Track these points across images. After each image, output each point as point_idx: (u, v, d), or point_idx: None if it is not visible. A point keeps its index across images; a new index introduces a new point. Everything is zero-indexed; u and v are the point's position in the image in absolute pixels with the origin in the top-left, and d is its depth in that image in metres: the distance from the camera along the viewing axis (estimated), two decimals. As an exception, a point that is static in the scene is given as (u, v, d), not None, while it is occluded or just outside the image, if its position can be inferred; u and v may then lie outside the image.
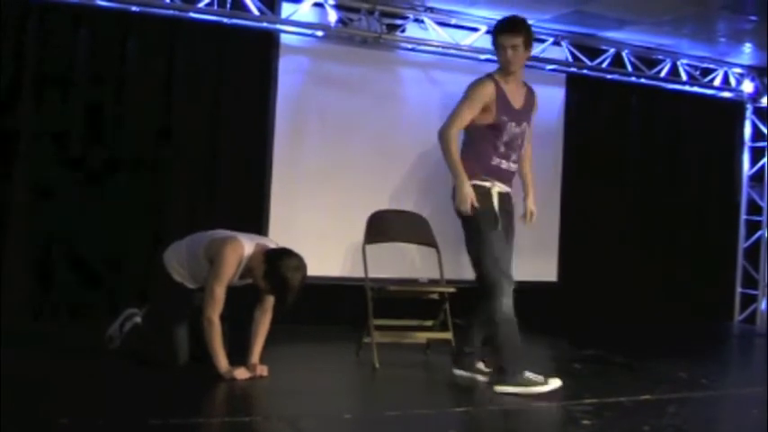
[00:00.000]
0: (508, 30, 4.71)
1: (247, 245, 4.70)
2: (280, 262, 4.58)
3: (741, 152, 8.92)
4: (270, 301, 4.84)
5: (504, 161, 4.80)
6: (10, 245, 5.98)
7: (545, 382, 4.66)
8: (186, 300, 4.87)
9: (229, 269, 4.63)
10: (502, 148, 4.76)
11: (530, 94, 4.91)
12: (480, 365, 5.05)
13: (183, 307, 4.86)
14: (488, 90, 4.69)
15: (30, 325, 5.96)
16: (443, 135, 4.70)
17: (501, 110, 4.71)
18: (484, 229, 4.71)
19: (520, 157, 4.94)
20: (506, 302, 4.72)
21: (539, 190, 7.59)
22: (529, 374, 4.68)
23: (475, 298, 4.96)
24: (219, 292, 4.61)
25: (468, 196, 4.61)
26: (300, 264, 4.61)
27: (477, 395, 4.87)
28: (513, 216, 4.97)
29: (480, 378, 4.98)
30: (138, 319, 5.15)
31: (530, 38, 4.76)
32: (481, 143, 4.77)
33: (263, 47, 6.81)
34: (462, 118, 4.70)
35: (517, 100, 4.81)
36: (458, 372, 5.05)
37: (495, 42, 4.78)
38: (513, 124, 4.76)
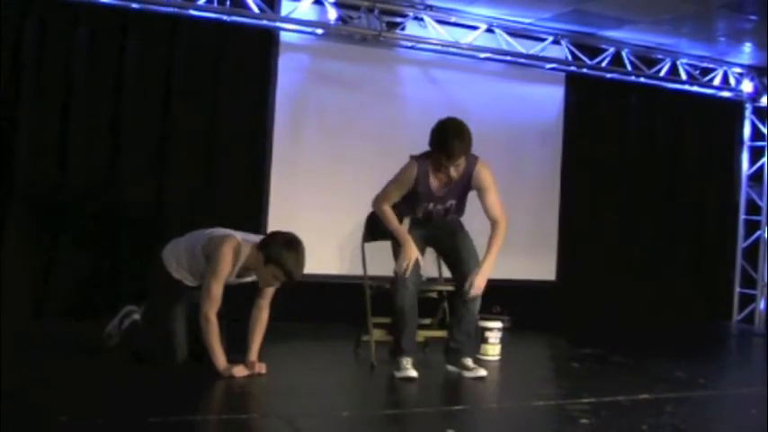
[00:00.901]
0: (450, 157, 4.77)
1: (244, 244, 4.71)
2: (272, 242, 4.64)
3: (740, 152, 8.91)
4: (267, 298, 4.85)
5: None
6: (9, 243, 5.97)
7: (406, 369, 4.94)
8: (185, 297, 4.87)
9: (226, 267, 4.64)
10: (420, 215, 5.11)
11: (466, 172, 4.93)
12: (467, 361, 5.07)
13: (182, 304, 4.86)
14: (411, 174, 4.94)
15: (29, 323, 5.95)
16: (377, 209, 5.11)
17: (419, 189, 4.97)
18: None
19: (492, 231, 5.06)
20: (399, 296, 4.94)
21: (538, 188, 7.76)
22: (404, 360, 4.96)
23: (451, 296, 5.22)
24: (216, 290, 4.62)
25: (412, 255, 4.91)
26: (293, 237, 4.66)
27: (475, 393, 4.89)
28: (449, 229, 5.20)
29: (466, 374, 5.04)
30: (136, 317, 5.14)
31: (468, 150, 4.85)
32: (404, 205, 5.11)
33: (263, 44, 6.81)
34: (389, 195, 5.05)
35: (441, 185, 4.95)
36: (449, 367, 5.20)
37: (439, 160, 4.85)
38: (432, 204, 5.04)
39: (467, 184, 4.99)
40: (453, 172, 4.83)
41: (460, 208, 5.16)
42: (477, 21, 7.28)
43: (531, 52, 7.54)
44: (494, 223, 5.01)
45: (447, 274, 5.77)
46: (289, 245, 4.61)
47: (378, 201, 5.09)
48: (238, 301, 4.81)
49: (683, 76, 8.27)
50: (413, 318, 5.02)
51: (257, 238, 4.86)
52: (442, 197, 5.02)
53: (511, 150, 7.65)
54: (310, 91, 6.94)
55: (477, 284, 4.92)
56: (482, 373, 5.04)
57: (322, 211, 6.83)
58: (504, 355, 5.73)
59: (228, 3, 6.48)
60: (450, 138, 4.78)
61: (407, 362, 4.95)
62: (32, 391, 4.10)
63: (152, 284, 5.09)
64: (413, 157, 4.99)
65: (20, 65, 6.00)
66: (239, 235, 4.75)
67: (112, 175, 6.32)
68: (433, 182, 4.95)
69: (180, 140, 6.52)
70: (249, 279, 4.84)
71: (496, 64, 7.56)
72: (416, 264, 4.99)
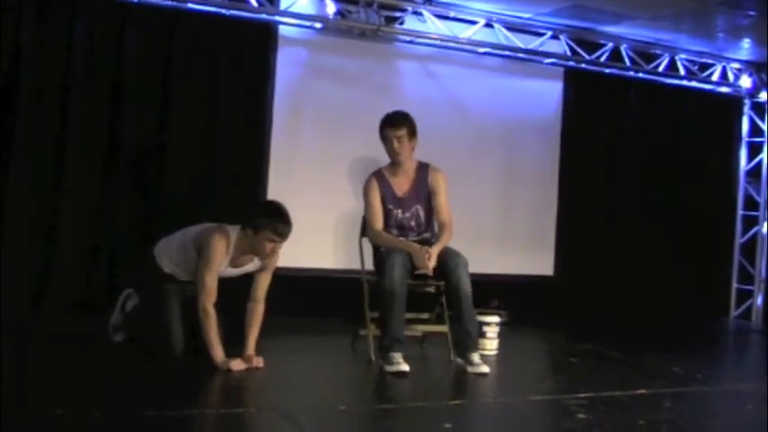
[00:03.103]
0: (392, 123, 5.28)
1: (233, 231, 4.75)
2: (253, 212, 4.75)
3: (738, 147, 8.92)
4: (263, 291, 4.89)
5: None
6: (8, 236, 5.95)
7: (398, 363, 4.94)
8: (178, 291, 4.89)
9: (218, 257, 4.66)
10: (395, 232, 5.33)
11: (421, 176, 5.38)
12: (474, 356, 5.07)
13: (175, 298, 4.88)
14: (373, 185, 5.33)
15: (27, 316, 5.94)
16: (371, 239, 5.36)
17: (386, 199, 5.32)
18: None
19: (438, 232, 5.38)
20: (387, 278, 4.98)
21: (536, 183, 7.76)
22: (394, 354, 4.97)
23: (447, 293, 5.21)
24: (210, 281, 4.64)
25: (423, 256, 5.03)
26: (270, 201, 4.98)
27: (473, 388, 4.89)
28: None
29: (470, 369, 5.05)
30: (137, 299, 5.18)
31: (413, 129, 5.32)
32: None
33: (262, 38, 6.79)
34: (372, 215, 5.31)
35: (402, 187, 5.35)
36: (457, 360, 5.21)
37: (381, 136, 5.34)
38: (400, 211, 5.33)
39: (425, 186, 5.36)
40: (396, 144, 5.24)
41: (428, 220, 5.40)
42: (476, 15, 7.27)
43: (530, 47, 7.53)
44: (441, 226, 5.37)
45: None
46: (269, 206, 4.80)
47: (370, 231, 5.35)
48: (233, 295, 4.82)
49: (682, 72, 8.27)
50: (401, 303, 5.01)
51: None
52: (406, 199, 5.33)
53: (509, 145, 7.66)
54: (309, 85, 6.93)
55: (430, 254, 5.05)
56: (485, 369, 5.04)
57: (320, 205, 6.82)
58: (501, 350, 5.74)
59: (227, -4, 6.48)
60: (385, 116, 5.35)
61: (398, 355, 4.95)
62: (29, 384, 4.10)
63: (144, 280, 5.10)
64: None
65: (18, 59, 5.96)
66: (227, 225, 4.79)
67: (110, 168, 6.30)
68: (395, 184, 5.34)
69: (178, 135, 6.50)
70: (249, 267, 4.87)
71: (495, 59, 7.55)
72: (405, 253, 5.06)
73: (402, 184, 5.35)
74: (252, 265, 4.88)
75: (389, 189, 5.32)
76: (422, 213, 5.36)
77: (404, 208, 5.32)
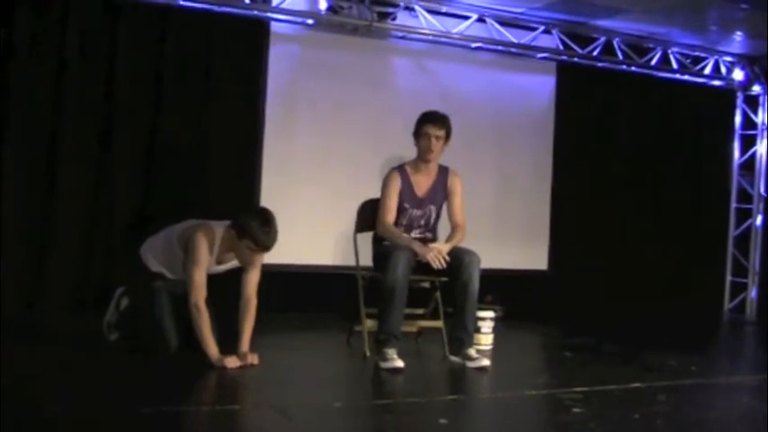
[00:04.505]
0: (435, 122, 5.28)
1: (218, 229, 4.75)
2: (242, 216, 4.69)
3: (731, 140, 8.93)
4: (253, 286, 4.87)
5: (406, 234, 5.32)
6: (4, 235, 5.93)
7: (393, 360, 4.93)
8: (166, 288, 4.89)
9: (204, 253, 4.67)
10: (402, 228, 5.32)
11: (441, 179, 5.41)
12: (470, 351, 5.08)
13: (165, 295, 4.88)
14: (395, 180, 5.33)
15: (23, 314, 5.92)
16: (381, 231, 5.33)
17: (404, 197, 5.32)
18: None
19: (451, 231, 5.39)
20: (390, 275, 4.96)
21: (530, 178, 7.77)
22: (389, 350, 4.96)
23: (450, 288, 5.20)
24: (198, 277, 4.64)
25: (430, 250, 5.08)
26: (261, 208, 4.87)
27: (468, 383, 4.89)
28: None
29: (470, 364, 5.05)
30: (132, 297, 5.19)
31: (450, 132, 5.34)
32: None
33: (254, 35, 6.78)
34: (386, 208, 5.30)
35: (422, 188, 5.36)
36: (452, 358, 5.20)
37: (418, 131, 5.31)
38: (415, 210, 5.35)
39: (444, 189, 5.41)
40: (434, 141, 5.23)
41: (435, 222, 5.44)
42: (469, 10, 7.26)
43: (523, 41, 7.53)
44: (455, 227, 5.40)
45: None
46: (257, 214, 4.70)
47: (380, 224, 5.32)
48: (224, 291, 4.83)
49: (675, 65, 8.27)
50: (402, 299, 5.01)
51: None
52: (425, 199, 5.34)
53: (502, 139, 7.66)
54: (301, 81, 6.92)
55: (441, 250, 5.09)
56: (485, 362, 5.04)
57: (314, 201, 6.83)
58: (496, 345, 5.75)
59: (219, -7, 6.46)
60: (426, 112, 5.34)
61: (392, 352, 4.95)
62: (25, 382, 4.09)
63: (133, 280, 5.09)
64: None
65: (11, 58, 5.94)
66: (212, 222, 4.80)
67: (105, 165, 6.29)
68: (415, 183, 5.34)
69: (171, 132, 6.48)
70: (232, 264, 4.87)
71: (488, 53, 7.55)
72: (410, 251, 5.05)
73: (423, 183, 5.37)
74: (236, 261, 4.88)
75: (409, 187, 5.33)
76: (433, 215, 5.41)
77: (419, 207, 5.35)
